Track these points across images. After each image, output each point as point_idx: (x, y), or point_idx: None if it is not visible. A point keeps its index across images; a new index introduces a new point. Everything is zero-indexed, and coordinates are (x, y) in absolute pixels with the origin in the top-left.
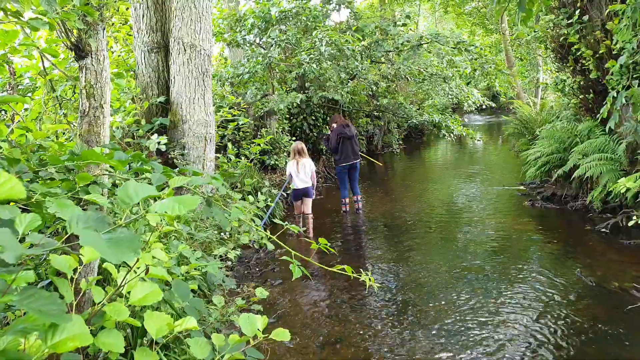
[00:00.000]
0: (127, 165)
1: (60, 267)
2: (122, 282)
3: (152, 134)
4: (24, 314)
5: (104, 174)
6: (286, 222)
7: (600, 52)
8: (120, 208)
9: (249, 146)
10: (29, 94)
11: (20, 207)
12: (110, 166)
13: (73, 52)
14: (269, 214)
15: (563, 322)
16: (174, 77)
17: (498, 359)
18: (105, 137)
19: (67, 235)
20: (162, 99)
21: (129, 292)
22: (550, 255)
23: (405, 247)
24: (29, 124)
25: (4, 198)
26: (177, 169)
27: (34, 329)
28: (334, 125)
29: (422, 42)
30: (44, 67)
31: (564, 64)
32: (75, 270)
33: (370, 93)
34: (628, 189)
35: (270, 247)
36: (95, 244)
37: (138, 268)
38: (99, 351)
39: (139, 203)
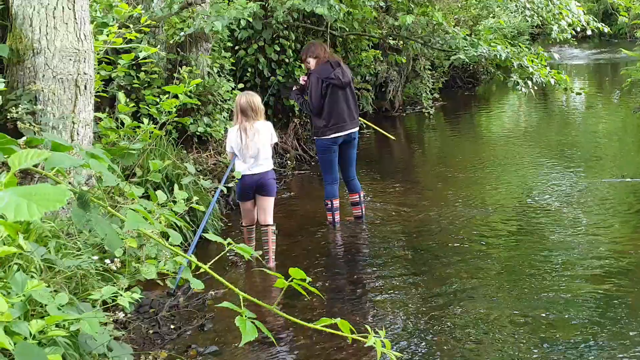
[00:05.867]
0: None
1: None
2: None
3: None
4: None
5: None
6: (227, 240)
7: None
8: None
9: (157, 99)
10: None
11: None
12: None
13: None
14: (202, 227)
15: None
16: None
17: None
18: None
19: None
20: None
21: None
22: None
23: (445, 288)
24: None
25: None
26: (23, 138)
27: None
28: (311, 61)
29: None
30: None
31: None
32: None
33: (382, 4)
34: None
35: (198, 285)
36: None
37: None
38: None
39: None
